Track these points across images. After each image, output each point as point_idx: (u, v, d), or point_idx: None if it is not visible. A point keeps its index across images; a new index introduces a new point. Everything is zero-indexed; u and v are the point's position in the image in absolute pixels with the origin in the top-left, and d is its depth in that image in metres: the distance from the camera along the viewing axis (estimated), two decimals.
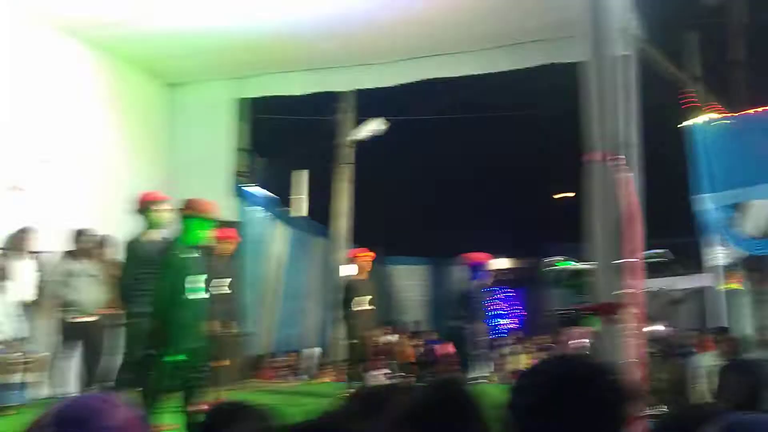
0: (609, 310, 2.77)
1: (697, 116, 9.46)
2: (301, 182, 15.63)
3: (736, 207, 8.96)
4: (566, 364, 1.32)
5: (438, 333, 8.60)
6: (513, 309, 21.79)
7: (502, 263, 22.21)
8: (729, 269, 9.54)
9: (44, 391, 7.30)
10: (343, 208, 13.66)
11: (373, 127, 12.74)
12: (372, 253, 8.82)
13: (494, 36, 8.69)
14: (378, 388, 1.82)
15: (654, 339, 8.20)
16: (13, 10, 7.69)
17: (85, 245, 7.52)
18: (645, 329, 7.27)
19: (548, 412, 1.21)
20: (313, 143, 14.28)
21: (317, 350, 13.43)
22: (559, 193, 22.04)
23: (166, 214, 5.97)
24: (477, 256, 8.25)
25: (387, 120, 12.74)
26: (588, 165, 2.88)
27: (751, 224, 8.57)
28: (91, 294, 7.42)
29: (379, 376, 12.74)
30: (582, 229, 2.89)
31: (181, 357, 4.93)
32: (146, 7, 7.74)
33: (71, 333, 7.36)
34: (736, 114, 9.23)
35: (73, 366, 7.51)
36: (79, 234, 7.51)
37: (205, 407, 5.82)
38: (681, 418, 1.53)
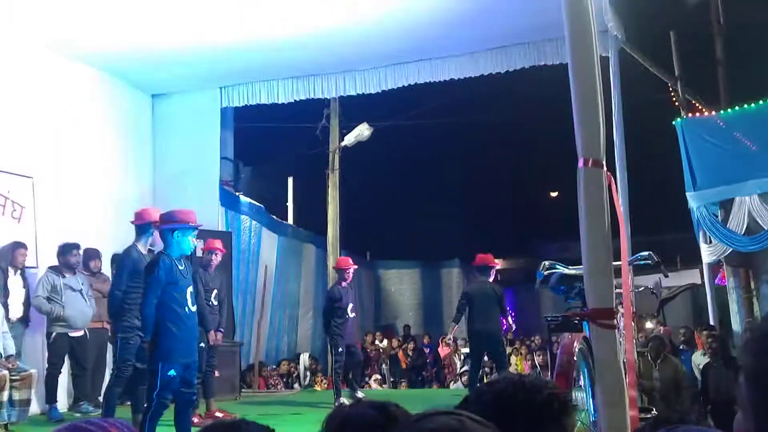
0: (600, 316, 2.78)
1: (680, 115, 9.54)
2: (287, 190, 15.62)
3: (720, 204, 9.03)
4: (505, 385, 1.36)
5: (471, 336, 8.45)
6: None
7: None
8: (716, 266, 9.61)
9: (34, 408, 7.23)
10: (331, 214, 13.65)
11: (359, 132, 12.73)
12: (349, 261, 8.66)
13: (478, 39, 8.74)
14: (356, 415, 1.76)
15: (645, 338, 8.24)
16: None
17: (71, 260, 7.47)
18: (635, 329, 7.33)
19: None
20: (298, 151, 14.26)
21: (310, 358, 13.39)
22: (552, 192, 22.18)
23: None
24: (489, 256, 8.27)
25: (372, 125, 12.75)
26: (576, 170, 2.89)
27: (735, 221, 8.64)
28: (79, 309, 7.37)
29: (371, 383, 12.73)
30: (576, 229, 2.89)
31: (173, 372, 4.89)
32: (129, 19, 7.70)
33: (59, 348, 7.31)
34: (718, 112, 9.31)
35: (62, 382, 7.45)
36: (66, 249, 7.46)
37: (197, 420, 5.80)
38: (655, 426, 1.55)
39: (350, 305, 8.20)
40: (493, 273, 8.22)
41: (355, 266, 8.61)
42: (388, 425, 1.58)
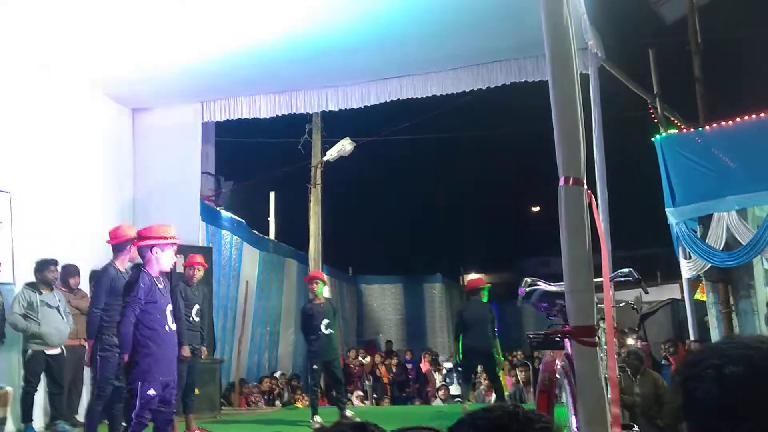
0: (582, 333, 2.78)
1: (659, 132, 9.64)
2: (269, 204, 15.56)
3: (699, 220, 9.12)
4: (500, 414, 1.39)
5: (465, 351, 8.69)
6: None
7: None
8: (694, 281, 9.69)
9: (9, 427, 7.09)
10: (313, 229, 13.61)
11: (341, 148, 12.73)
12: (319, 276, 8.55)
13: (460, 56, 8.79)
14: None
15: (626, 353, 8.25)
16: None
17: (48, 276, 7.35)
18: (616, 344, 7.35)
19: None
20: (280, 166, 14.23)
21: (290, 375, 13.29)
22: (533, 207, 22.34)
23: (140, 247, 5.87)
24: (480, 279, 9.05)
25: (354, 140, 12.76)
26: (558, 188, 2.89)
27: (714, 237, 8.72)
28: (55, 326, 7.25)
29: (353, 399, 12.65)
30: (556, 245, 2.90)
31: (152, 391, 4.81)
32: (109, 32, 7.65)
33: (36, 366, 7.18)
34: (697, 129, 9.42)
35: (38, 400, 7.32)
36: (43, 264, 7.35)
37: None
38: None
39: (324, 321, 7.96)
40: (483, 293, 8.75)
41: (317, 279, 8.30)
42: None
